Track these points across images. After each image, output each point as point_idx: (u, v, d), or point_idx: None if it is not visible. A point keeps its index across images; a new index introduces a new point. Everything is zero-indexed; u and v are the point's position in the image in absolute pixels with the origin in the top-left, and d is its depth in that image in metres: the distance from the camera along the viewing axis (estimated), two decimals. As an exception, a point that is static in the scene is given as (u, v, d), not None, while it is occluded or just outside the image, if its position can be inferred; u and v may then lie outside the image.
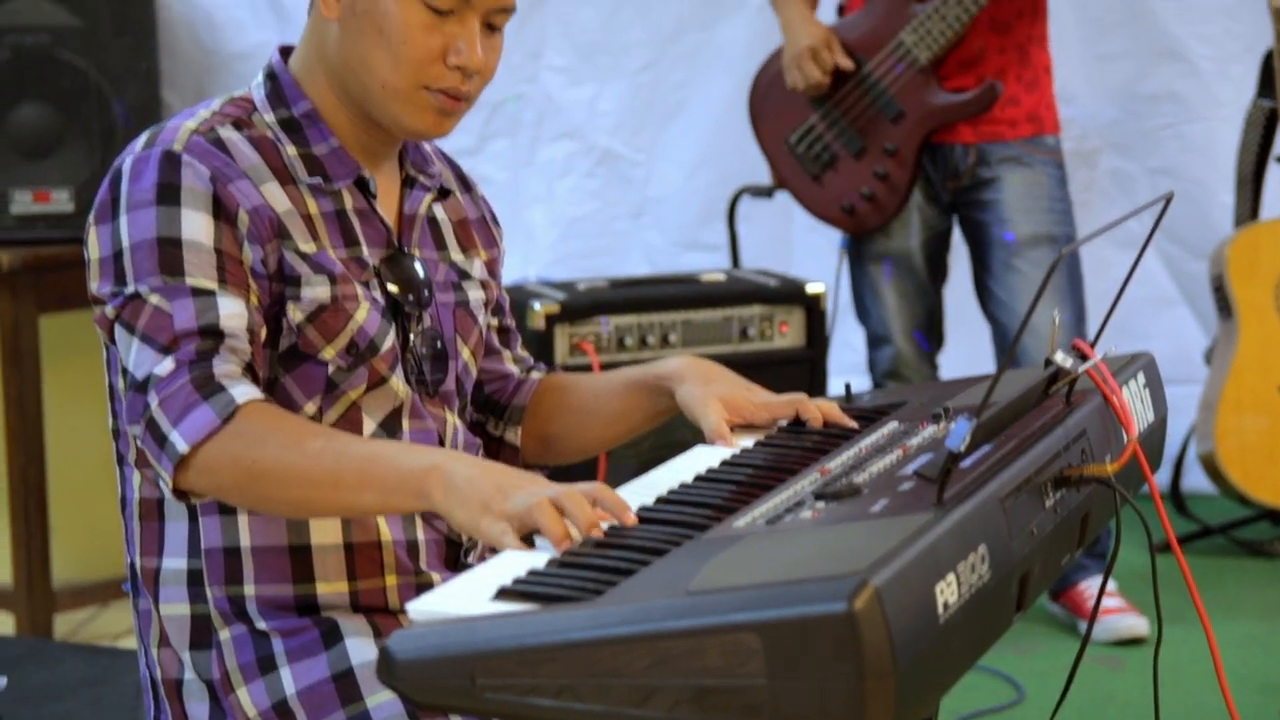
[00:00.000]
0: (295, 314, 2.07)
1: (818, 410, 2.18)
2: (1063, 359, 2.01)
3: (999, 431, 1.88)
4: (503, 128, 5.09)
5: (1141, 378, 2.21)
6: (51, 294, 4.24)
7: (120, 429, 2.13)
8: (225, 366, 1.98)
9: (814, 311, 4.15)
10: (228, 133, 2.09)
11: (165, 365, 1.98)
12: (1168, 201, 2.06)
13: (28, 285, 4.18)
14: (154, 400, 1.97)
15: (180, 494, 1.99)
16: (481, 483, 1.82)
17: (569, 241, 5.18)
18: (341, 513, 2.02)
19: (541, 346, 3.90)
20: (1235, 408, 4.57)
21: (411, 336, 2.17)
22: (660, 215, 5.21)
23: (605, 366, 3.92)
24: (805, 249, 5.14)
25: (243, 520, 2.09)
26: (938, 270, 4.25)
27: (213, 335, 1.99)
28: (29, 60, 4.23)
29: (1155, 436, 2.22)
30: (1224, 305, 4.63)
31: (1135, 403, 2.14)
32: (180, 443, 1.95)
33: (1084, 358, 2.03)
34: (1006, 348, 4.16)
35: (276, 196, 2.08)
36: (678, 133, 5.18)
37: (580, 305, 3.98)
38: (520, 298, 3.97)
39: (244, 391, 1.97)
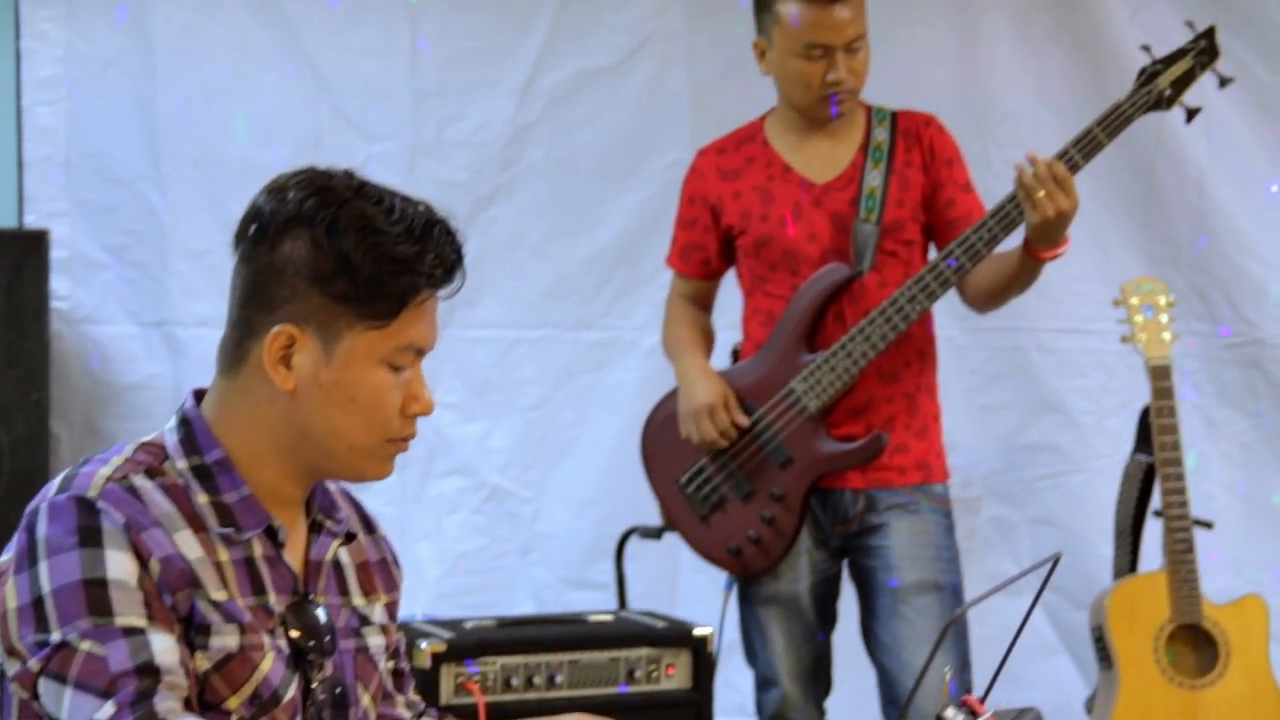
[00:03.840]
0: (202, 663, 2.07)
1: None
2: (953, 715, 2.03)
3: (892, 788, 1.89)
4: (393, 462, 5.10)
5: (1030, 732, 2.23)
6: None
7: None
8: (166, 703, 1.98)
9: (701, 654, 4.16)
10: (140, 480, 2.10)
11: (106, 710, 1.97)
12: (1056, 562, 2.11)
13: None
14: None
15: None
16: None
17: (455, 577, 5.17)
18: None
19: (427, 685, 3.86)
20: (1117, 758, 4.58)
21: (313, 684, 2.16)
22: (548, 552, 5.21)
23: (490, 707, 3.89)
24: (691, 590, 5.15)
25: None
26: (826, 615, 4.25)
27: (150, 674, 1.99)
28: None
29: (1046, 791, 2.24)
30: (1104, 656, 4.67)
31: (1025, 758, 2.16)
32: None
33: (974, 714, 2.05)
34: (891, 693, 4.16)
35: (189, 544, 2.09)
36: (567, 471, 5.21)
37: (467, 644, 3.96)
38: (406, 635, 3.93)
39: None
